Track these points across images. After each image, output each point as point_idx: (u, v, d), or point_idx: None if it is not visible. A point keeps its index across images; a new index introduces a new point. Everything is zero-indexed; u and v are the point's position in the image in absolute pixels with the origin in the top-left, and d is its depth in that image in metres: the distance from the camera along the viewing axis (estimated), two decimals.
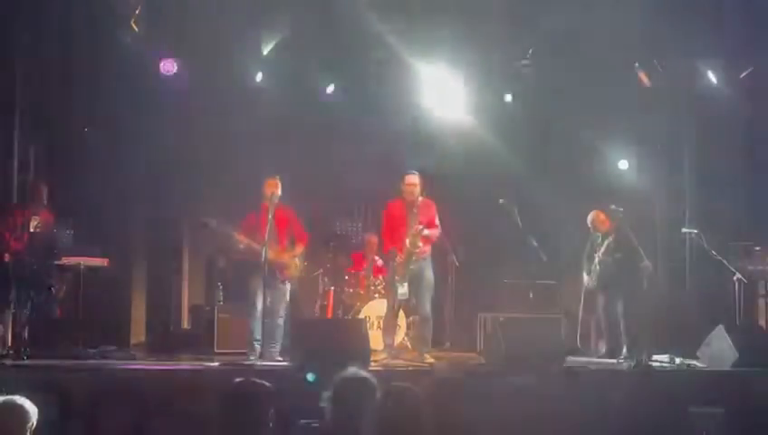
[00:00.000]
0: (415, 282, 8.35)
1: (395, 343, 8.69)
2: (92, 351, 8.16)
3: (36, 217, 8.18)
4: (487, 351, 8.54)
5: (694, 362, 8.69)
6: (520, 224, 8.94)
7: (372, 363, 7.80)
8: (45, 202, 8.28)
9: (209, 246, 10.06)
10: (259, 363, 7.94)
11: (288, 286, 8.41)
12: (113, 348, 8.42)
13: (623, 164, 10.92)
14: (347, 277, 9.90)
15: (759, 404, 7.31)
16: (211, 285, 10.25)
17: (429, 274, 8.44)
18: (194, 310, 10.27)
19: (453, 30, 9.45)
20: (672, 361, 8.78)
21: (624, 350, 9.15)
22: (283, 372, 7.62)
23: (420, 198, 8.43)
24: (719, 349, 8.39)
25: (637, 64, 9.60)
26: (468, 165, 10.94)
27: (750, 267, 9.59)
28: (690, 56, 9.81)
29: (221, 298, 9.91)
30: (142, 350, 9.33)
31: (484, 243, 10.63)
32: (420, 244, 8.26)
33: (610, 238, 9.26)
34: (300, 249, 8.43)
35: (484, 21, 9.39)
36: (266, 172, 8.43)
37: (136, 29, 8.95)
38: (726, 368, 8.18)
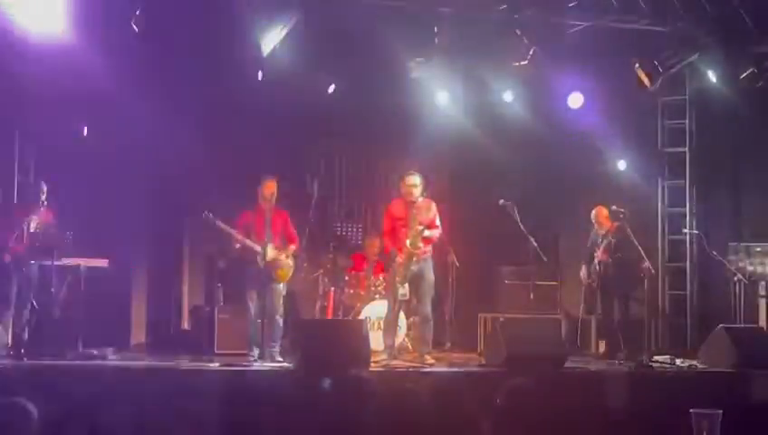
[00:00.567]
0: (415, 282, 8.35)
1: (395, 344, 8.68)
2: (93, 351, 8.15)
3: (36, 218, 8.18)
4: (488, 351, 8.53)
5: (694, 362, 8.69)
6: (520, 224, 8.94)
7: (372, 364, 7.80)
8: (45, 202, 8.27)
9: (209, 245, 10.04)
10: (258, 364, 7.95)
11: (282, 286, 8.41)
12: (113, 348, 8.41)
13: (622, 164, 10.91)
14: (347, 278, 9.89)
15: (759, 404, 7.32)
16: (211, 286, 10.24)
17: (430, 274, 8.43)
18: (194, 310, 10.26)
19: (453, 29, 9.44)
20: (672, 361, 8.78)
21: (624, 350, 9.15)
22: (283, 373, 7.63)
23: (421, 199, 8.43)
24: (719, 349, 8.40)
25: (637, 65, 9.59)
26: (468, 165, 10.95)
27: (750, 268, 9.60)
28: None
29: (221, 299, 9.91)
30: (142, 350, 9.32)
31: (484, 243, 10.63)
32: (421, 244, 8.26)
33: (611, 238, 9.27)
34: (292, 249, 8.45)
35: (484, 21, 9.39)
36: (265, 172, 8.45)
37: None
38: (726, 368, 8.18)
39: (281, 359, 8.14)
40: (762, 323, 9.76)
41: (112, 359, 8.10)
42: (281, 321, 8.31)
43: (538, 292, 9.74)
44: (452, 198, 10.40)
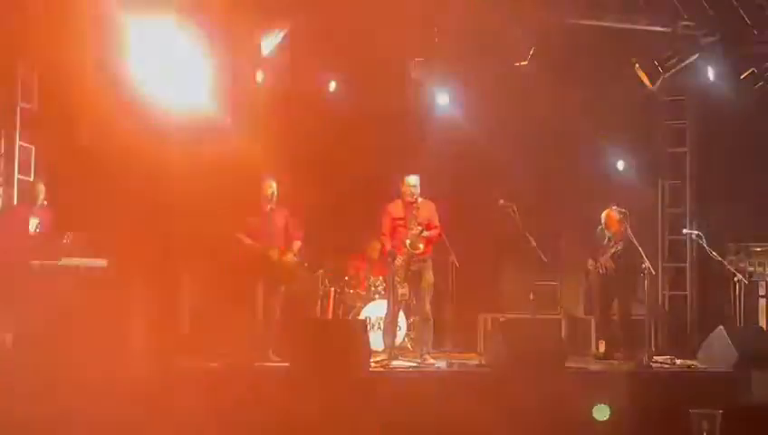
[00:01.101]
0: (415, 282, 8.36)
1: (395, 344, 8.68)
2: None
3: (36, 218, 8.18)
4: (487, 351, 8.54)
5: (694, 362, 8.69)
6: (520, 224, 8.94)
7: (372, 364, 7.81)
8: (45, 203, 8.28)
9: (212, 245, 10.04)
10: (258, 364, 7.95)
11: (282, 286, 8.42)
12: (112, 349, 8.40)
13: (622, 164, 10.91)
14: (347, 278, 9.90)
15: (759, 404, 7.33)
16: (211, 286, 10.22)
17: (429, 274, 8.44)
18: (194, 311, 10.25)
19: (453, 29, 9.44)
20: (672, 361, 8.78)
21: (624, 351, 9.15)
22: (282, 373, 7.63)
23: (420, 199, 8.44)
24: (719, 349, 8.40)
25: (637, 65, 9.59)
26: (468, 165, 10.94)
27: (750, 268, 9.60)
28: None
29: (221, 299, 9.89)
30: (142, 350, 9.30)
31: (484, 243, 10.63)
32: (421, 245, 8.26)
33: (618, 247, 9.23)
34: (295, 249, 8.46)
35: (484, 21, 9.39)
36: (266, 173, 8.46)
37: None
38: (726, 368, 8.18)
39: (277, 358, 8.14)
40: (762, 323, 9.76)
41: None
42: (277, 321, 8.31)
43: (538, 292, 9.75)
44: (452, 198, 10.38)
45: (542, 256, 9.23)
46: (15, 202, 8.90)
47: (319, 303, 9.93)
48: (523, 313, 9.60)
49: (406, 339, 9.39)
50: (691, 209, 10.90)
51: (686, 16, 9.52)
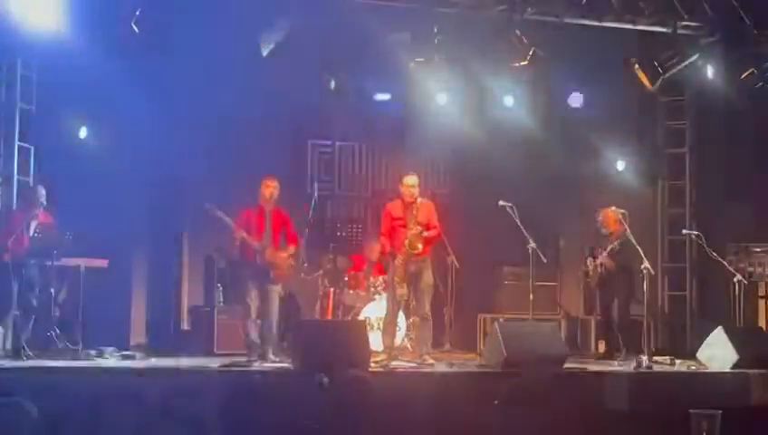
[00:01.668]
0: (414, 283, 8.35)
1: (395, 345, 8.68)
2: (92, 352, 8.16)
3: (36, 219, 8.18)
4: (487, 352, 8.53)
5: (694, 363, 8.69)
6: (520, 224, 8.93)
7: (372, 364, 7.81)
8: (45, 203, 8.27)
9: (209, 246, 10.04)
10: (258, 364, 7.95)
11: (279, 286, 8.41)
12: (113, 348, 8.41)
13: (622, 164, 10.91)
14: (347, 278, 9.90)
15: (759, 404, 7.34)
16: (210, 286, 10.23)
17: (429, 275, 8.43)
18: (193, 311, 10.26)
19: (453, 30, 9.44)
20: (672, 362, 8.78)
21: (624, 351, 9.15)
22: (282, 373, 7.63)
23: (419, 199, 8.42)
24: (719, 350, 8.40)
25: (637, 65, 9.60)
26: (468, 165, 10.95)
27: (750, 268, 9.60)
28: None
29: (221, 299, 9.91)
30: (142, 350, 9.32)
31: (484, 243, 10.63)
32: (420, 245, 8.25)
33: (616, 244, 9.22)
34: (292, 249, 8.44)
35: (484, 20, 9.39)
36: (265, 172, 8.45)
37: None
38: (726, 369, 8.18)
39: (274, 358, 8.13)
40: (761, 323, 9.76)
41: (112, 359, 8.11)
42: (274, 321, 8.29)
43: (538, 292, 9.73)
44: (452, 198, 10.39)
45: (542, 257, 9.23)
46: (15, 203, 8.89)
47: (318, 303, 9.93)
48: (523, 313, 9.60)
49: (405, 339, 9.38)
50: (691, 209, 10.90)
51: (686, 16, 9.54)
